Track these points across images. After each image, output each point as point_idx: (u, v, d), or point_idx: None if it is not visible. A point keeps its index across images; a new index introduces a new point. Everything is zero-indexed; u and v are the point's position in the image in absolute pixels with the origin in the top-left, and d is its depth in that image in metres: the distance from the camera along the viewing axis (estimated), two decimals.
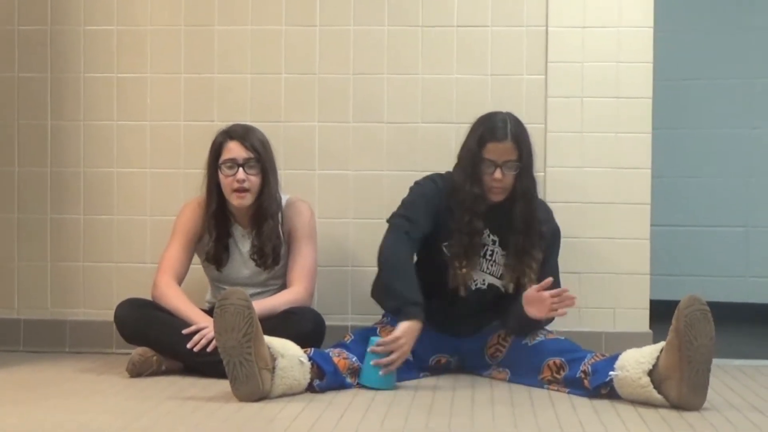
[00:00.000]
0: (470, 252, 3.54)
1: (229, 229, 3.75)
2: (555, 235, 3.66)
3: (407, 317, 3.37)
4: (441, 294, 3.55)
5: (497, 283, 3.59)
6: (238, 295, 3.15)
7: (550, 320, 3.54)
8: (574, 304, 3.41)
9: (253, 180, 3.66)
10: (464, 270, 3.53)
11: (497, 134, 3.48)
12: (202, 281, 3.88)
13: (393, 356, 3.34)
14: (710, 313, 3.07)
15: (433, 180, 3.63)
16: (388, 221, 3.56)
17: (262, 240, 3.70)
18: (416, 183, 3.63)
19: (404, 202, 3.58)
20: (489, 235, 3.59)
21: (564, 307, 3.40)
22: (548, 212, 3.68)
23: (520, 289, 3.52)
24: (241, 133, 3.68)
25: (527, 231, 3.53)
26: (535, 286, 3.42)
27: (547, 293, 3.38)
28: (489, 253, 3.60)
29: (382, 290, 3.53)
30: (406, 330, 3.35)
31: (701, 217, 5.52)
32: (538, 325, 3.50)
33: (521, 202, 3.52)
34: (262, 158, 3.68)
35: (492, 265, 3.60)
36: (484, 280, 3.60)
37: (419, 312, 3.38)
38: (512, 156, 3.49)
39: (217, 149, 3.67)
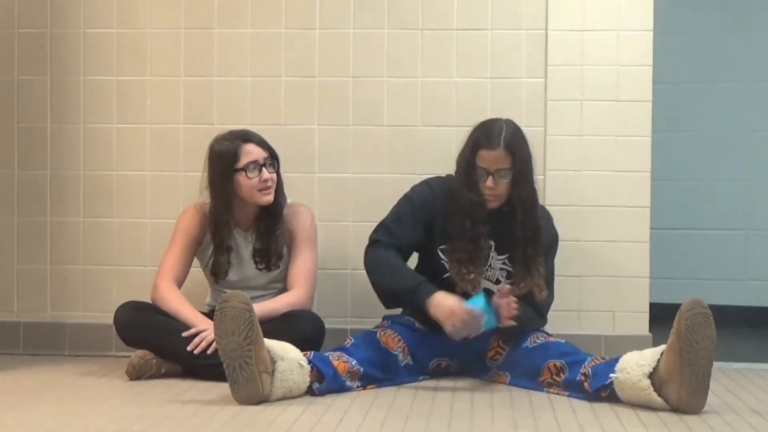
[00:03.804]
0: (475, 257, 3.54)
1: (231, 233, 3.74)
2: (553, 241, 3.67)
3: (427, 295, 3.39)
4: None
5: (493, 288, 3.59)
6: (238, 299, 3.15)
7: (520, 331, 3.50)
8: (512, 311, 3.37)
9: (274, 178, 3.68)
10: (472, 275, 3.54)
11: (490, 142, 3.48)
12: (202, 284, 3.88)
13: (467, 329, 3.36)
14: (712, 317, 3.07)
15: (428, 184, 3.64)
16: (370, 237, 3.58)
17: (268, 239, 3.71)
18: (410, 190, 3.64)
19: (388, 217, 3.60)
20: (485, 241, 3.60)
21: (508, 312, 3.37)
22: (548, 218, 3.68)
23: (527, 296, 3.52)
24: (252, 134, 3.70)
25: (534, 240, 3.53)
26: (499, 293, 3.39)
27: (508, 299, 3.36)
28: (486, 258, 3.61)
29: (387, 293, 3.53)
30: (438, 305, 3.37)
31: (701, 220, 5.52)
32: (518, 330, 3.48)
33: (522, 210, 3.51)
34: (274, 155, 3.70)
35: (488, 270, 3.60)
36: (482, 286, 3.61)
37: (431, 286, 3.41)
38: (504, 164, 3.48)
39: (231, 156, 3.64)
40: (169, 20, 4.12)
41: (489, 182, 3.48)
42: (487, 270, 3.59)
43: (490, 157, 3.48)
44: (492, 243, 3.58)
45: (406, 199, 3.63)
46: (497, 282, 3.59)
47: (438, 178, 3.67)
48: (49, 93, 4.15)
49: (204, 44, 4.11)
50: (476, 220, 3.52)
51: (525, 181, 3.52)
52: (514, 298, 3.38)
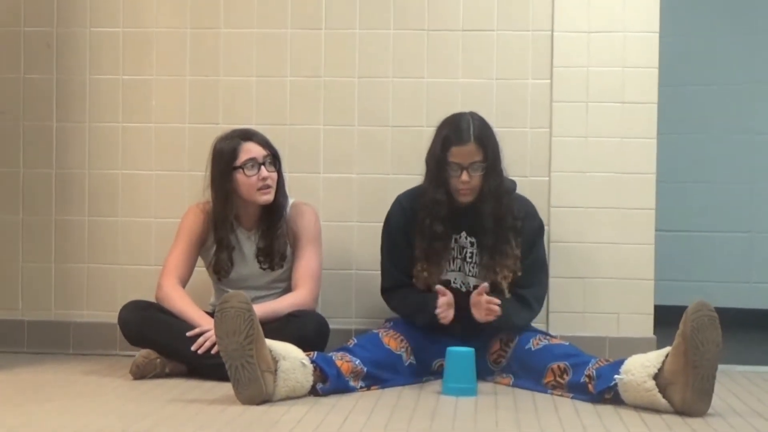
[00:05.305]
0: (431, 255, 3.58)
1: (234, 233, 3.74)
2: (537, 231, 3.68)
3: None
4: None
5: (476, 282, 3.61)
6: (238, 299, 3.15)
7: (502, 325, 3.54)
8: (496, 312, 3.43)
9: (274, 176, 3.68)
10: (425, 274, 3.58)
11: (461, 137, 3.52)
12: (206, 284, 3.88)
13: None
14: (718, 320, 3.06)
15: (399, 202, 3.71)
16: (382, 295, 3.72)
17: (271, 239, 3.71)
18: (387, 215, 3.71)
19: (383, 257, 3.71)
20: (467, 238, 3.62)
21: (487, 313, 3.43)
22: (529, 207, 3.69)
23: (497, 288, 3.55)
24: (253, 133, 3.71)
25: (498, 229, 3.56)
26: (476, 291, 3.46)
27: (483, 298, 3.43)
28: (469, 255, 3.62)
29: (415, 317, 3.62)
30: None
31: (706, 223, 5.52)
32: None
33: (490, 200, 3.54)
34: (275, 154, 3.70)
35: (474, 267, 3.62)
36: (469, 283, 3.62)
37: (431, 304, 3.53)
38: (477, 157, 3.51)
39: (231, 154, 3.65)
40: (175, 20, 4.12)
41: (464, 176, 3.51)
42: (473, 267, 3.61)
43: (462, 152, 3.51)
44: (473, 240, 3.61)
45: (386, 228, 3.72)
46: (485, 278, 3.59)
47: (408, 191, 3.71)
48: (54, 92, 4.15)
49: (209, 44, 4.11)
50: (435, 218, 3.55)
51: (495, 172, 3.56)
52: (495, 299, 3.43)
